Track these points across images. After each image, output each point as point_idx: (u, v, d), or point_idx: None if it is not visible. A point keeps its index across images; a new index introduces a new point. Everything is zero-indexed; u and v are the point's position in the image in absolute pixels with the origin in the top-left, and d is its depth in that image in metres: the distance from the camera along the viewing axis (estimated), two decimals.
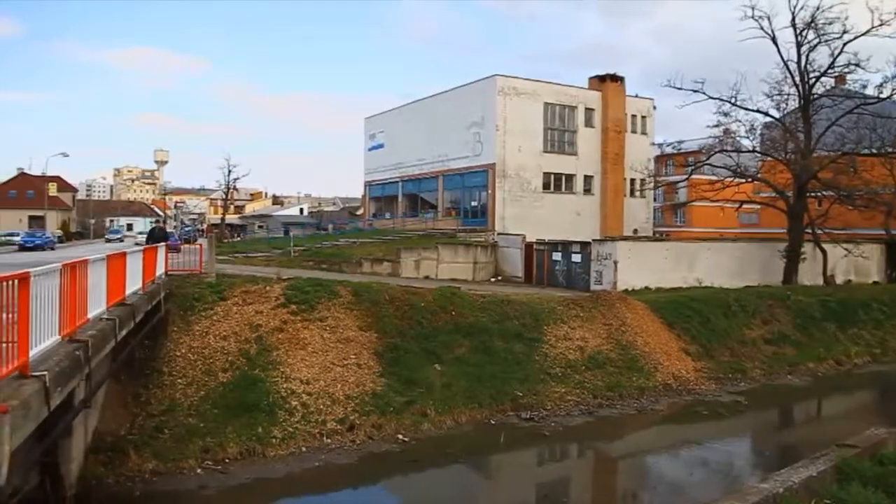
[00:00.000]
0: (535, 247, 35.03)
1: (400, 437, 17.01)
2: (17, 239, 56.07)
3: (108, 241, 71.24)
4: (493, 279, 35.01)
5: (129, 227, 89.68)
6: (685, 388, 22.30)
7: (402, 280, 28.76)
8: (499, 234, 39.48)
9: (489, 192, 41.99)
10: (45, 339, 7.48)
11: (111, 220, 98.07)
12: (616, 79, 45.78)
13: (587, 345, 22.76)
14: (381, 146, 55.34)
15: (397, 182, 52.86)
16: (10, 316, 6.23)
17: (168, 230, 73.46)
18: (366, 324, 20.67)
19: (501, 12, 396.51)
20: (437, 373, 19.71)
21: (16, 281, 6.37)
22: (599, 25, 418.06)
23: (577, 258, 32.01)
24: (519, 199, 41.77)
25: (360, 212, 73.95)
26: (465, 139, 43.67)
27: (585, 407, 20.07)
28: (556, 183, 43.93)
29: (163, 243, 22.40)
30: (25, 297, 6.55)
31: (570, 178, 44.46)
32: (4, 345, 6.05)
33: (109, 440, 14.92)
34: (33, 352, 6.92)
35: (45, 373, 6.98)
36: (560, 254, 33.24)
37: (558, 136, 44.33)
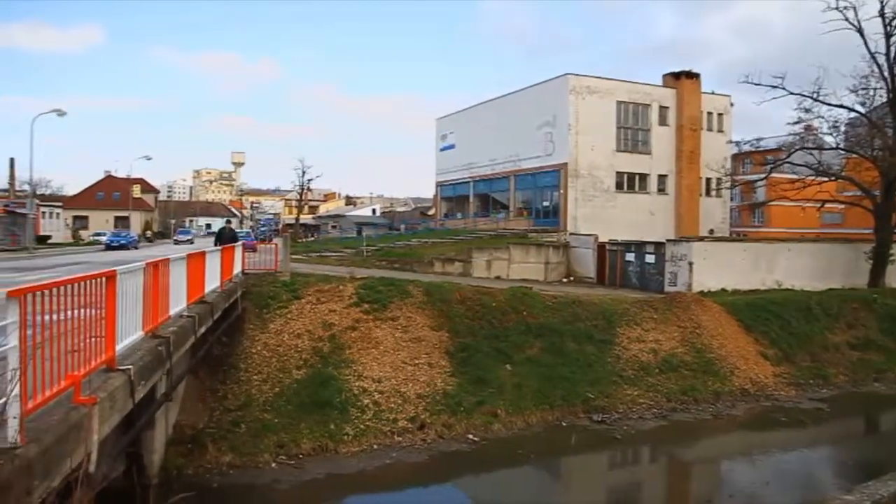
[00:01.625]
0: (607, 247, 34.61)
1: (470, 436, 17.04)
2: (103, 239, 58.44)
3: (178, 242, 64.36)
4: (564, 280, 34.72)
5: (208, 226, 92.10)
6: (763, 393, 21.66)
7: (473, 280, 28.79)
8: (571, 234, 39.12)
9: (561, 191, 41.63)
10: (129, 334, 7.74)
11: (190, 220, 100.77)
12: (691, 75, 44.79)
13: (661, 347, 22.35)
14: (452, 146, 55.46)
15: (469, 182, 52.88)
16: (98, 312, 6.47)
17: (245, 230, 74.79)
18: (437, 323, 20.78)
19: (574, 11, 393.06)
20: (507, 373, 19.67)
21: (104, 279, 6.63)
22: (674, 21, 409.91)
23: (650, 259, 31.48)
24: (591, 199, 41.29)
25: (431, 212, 74.27)
26: (536, 139, 43.40)
27: (658, 410, 19.71)
28: (629, 182, 43.26)
29: (239, 243, 22.96)
30: (112, 295, 6.80)
31: (643, 177, 43.72)
32: (93, 339, 6.28)
33: (189, 433, 15.38)
34: (119, 347, 7.17)
35: (130, 367, 7.23)
36: (633, 254, 32.75)
37: (631, 134, 43.64)
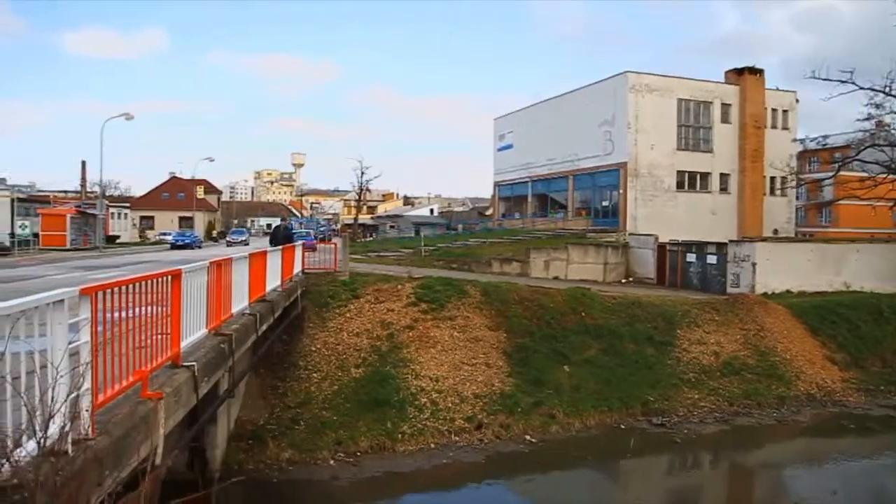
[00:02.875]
0: (668, 248, 34.05)
1: (527, 437, 16.98)
2: (168, 238, 60.01)
3: (230, 244, 59.82)
4: (623, 280, 34.29)
5: (269, 226, 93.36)
6: (830, 398, 21.01)
7: (531, 280, 28.66)
8: (630, 234, 38.62)
9: (620, 191, 41.16)
10: (194, 331, 7.91)
11: (251, 220, 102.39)
12: (755, 71, 43.76)
13: (723, 350, 21.91)
14: (510, 146, 55.31)
15: (527, 182, 52.68)
16: (164, 309, 6.64)
17: (305, 230, 75.65)
18: (495, 323, 20.76)
19: (632, 8, 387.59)
20: (565, 374, 19.54)
21: (169, 277, 6.80)
22: (736, 15, 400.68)
23: (712, 259, 30.87)
24: (651, 199, 40.71)
25: (489, 212, 74.20)
26: (595, 138, 42.97)
27: (720, 414, 19.31)
28: (690, 181, 42.52)
29: (299, 243, 23.29)
30: (177, 293, 6.97)
31: (705, 176, 42.90)
32: (159, 336, 6.44)
33: (250, 429, 15.68)
34: (184, 343, 7.33)
35: (195, 363, 7.39)
36: (694, 255, 32.15)
37: (693, 132, 42.87)
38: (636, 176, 40.54)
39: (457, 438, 16.54)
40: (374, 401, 17.13)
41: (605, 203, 43.95)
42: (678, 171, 41.85)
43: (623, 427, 18.14)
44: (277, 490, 13.72)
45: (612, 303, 23.32)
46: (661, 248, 34.41)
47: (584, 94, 45.36)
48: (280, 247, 17.94)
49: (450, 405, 17.45)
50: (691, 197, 42.00)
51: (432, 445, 16.18)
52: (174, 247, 52.30)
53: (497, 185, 58.36)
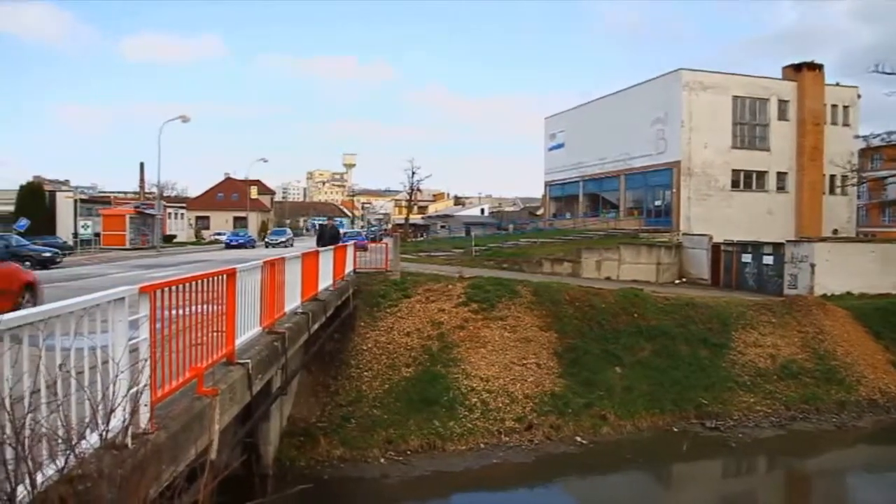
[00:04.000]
0: (722, 248, 33.45)
1: (578, 439, 16.86)
2: (223, 238, 61.21)
3: (270, 244, 55.73)
4: (677, 281, 33.81)
5: (321, 226, 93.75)
6: (894, 404, 20.36)
7: (582, 280, 28.45)
8: (684, 234, 38.05)
9: (673, 190, 40.57)
10: (248, 329, 8.04)
11: (304, 220, 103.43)
12: (813, 66, 42.67)
13: (779, 352, 21.41)
14: (561, 146, 54.97)
15: (578, 182, 52.29)
16: (219, 307, 6.77)
17: (355, 229, 75.80)
18: (545, 324, 20.66)
19: (685, 4, 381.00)
20: (617, 375, 19.34)
21: (225, 276, 6.93)
22: (793, 8, 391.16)
23: (768, 260, 30.22)
24: (705, 198, 40.02)
25: (540, 212, 73.84)
26: (647, 137, 42.43)
27: (776, 419, 18.88)
28: (745, 180, 41.67)
29: (350, 242, 23.50)
30: (232, 291, 7.10)
31: (761, 175, 42.01)
32: (214, 334, 6.57)
33: (302, 426, 15.89)
34: (238, 341, 7.46)
35: (249, 361, 7.52)
36: (750, 255, 31.53)
37: (748, 130, 41.99)
38: (690, 175, 39.90)
39: (507, 439, 16.51)
40: (424, 400, 17.20)
41: (657, 203, 43.39)
42: (733, 170, 41.06)
43: (676, 430, 17.89)
44: (328, 487, 13.87)
45: (665, 304, 23.00)
46: (716, 248, 33.82)
47: (636, 92, 44.85)
48: (331, 246, 18.08)
49: (500, 405, 17.43)
50: (747, 196, 41.16)
51: (482, 445, 16.18)
52: (228, 246, 53.30)
53: (548, 184, 58.05)
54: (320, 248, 16.06)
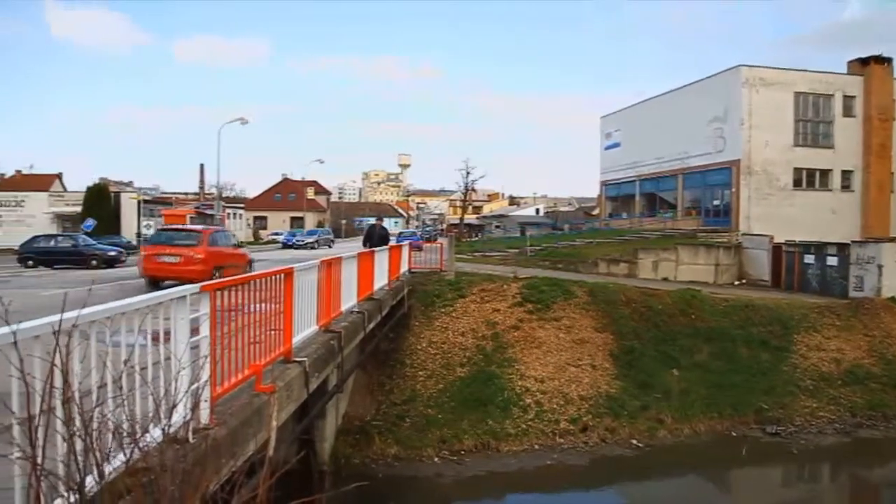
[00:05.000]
0: (783, 248, 32.62)
1: (634, 442, 16.65)
2: (280, 238, 62.16)
3: (288, 245, 54.85)
4: (736, 282, 33.11)
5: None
6: None
7: (638, 281, 28.10)
8: (743, 234, 37.20)
9: (733, 190, 39.70)
10: (305, 328, 8.15)
11: (360, 220, 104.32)
12: (881, 60, 41.22)
13: (844, 357, 20.79)
14: (617, 145, 54.36)
15: (634, 181, 51.64)
16: (277, 306, 6.88)
17: (410, 229, 75.82)
18: (601, 325, 20.46)
19: (741, 3, 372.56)
20: (674, 378, 19.04)
21: (282, 275, 7.04)
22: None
23: (832, 261, 29.36)
24: (766, 198, 39.05)
25: (595, 212, 73.17)
26: (706, 135, 41.62)
27: (841, 425, 18.30)
28: (808, 179, 40.53)
29: (405, 242, 23.62)
30: (290, 290, 7.21)
31: (824, 173, 40.79)
32: (272, 332, 6.69)
33: (357, 424, 16.04)
34: (295, 339, 7.57)
35: (306, 359, 7.63)
36: (813, 256, 30.67)
37: (811, 127, 40.81)
38: (749, 174, 38.99)
39: (561, 440, 16.40)
40: (478, 400, 17.20)
41: (716, 202, 42.52)
42: (795, 169, 39.95)
43: (735, 434, 17.51)
44: (383, 485, 13.96)
45: (723, 305, 22.56)
46: (777, 248, 33.00)
47: (693, 89, 44.06)
48: (385, 247, 18.19)
49: (554, 406, 17.33)
50: (809, 195, 40.03)
51: (536, 446, 16.10)
52: (286, 246, 54.11)
53: (604, 184, 57.47)
54: (377, 249, 16.13)
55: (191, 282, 5.51)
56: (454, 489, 14.31)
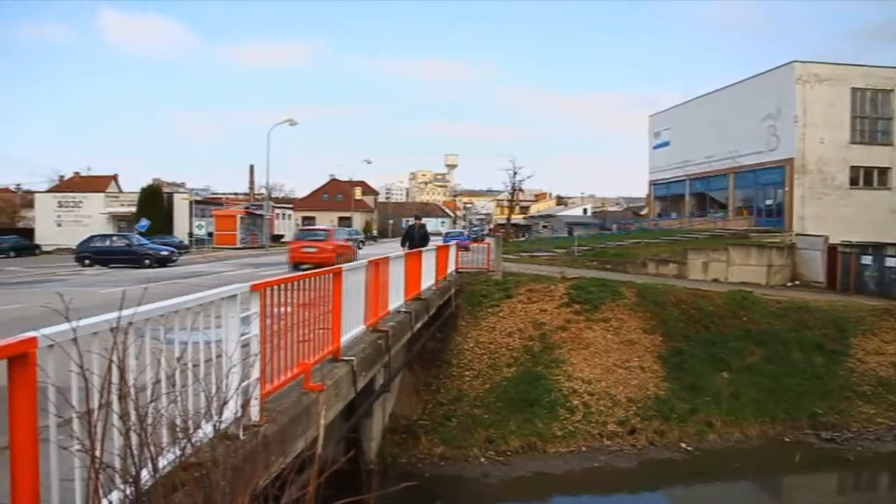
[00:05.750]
0: (839, 249, 31.82)
1: (683, 445, 16.42)
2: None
3: None
4: (789, 284, 32.41)
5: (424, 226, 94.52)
6: None
7: (688, 282, 27.70)
8: (797, 234, 36.38)
9: (786, 189, 38.84)
10: (353, 327, 8.23)
11: (406, 220, 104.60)
12: None
13: None
14: (666, 144, 53.68)
15: (684, 181, 50.94)
16: (325, 306, 6.96)
17: (457, 229, 75.83)
18: (650, 326, 20.22)
19: None
20: (724, 381, 18.72)
21: (331, 275, 7.12)
22: None
23: (892, 262, 28.53)
24: (820, 197, 38.11)
25: (644, 212, 72.37)
26: (758, 133, 40.80)
27: None
28: (865, 178, 39.40)
29: (452, 242, 23.62)
30: (338, 290, 7.28)
31: (883, 171, 39.61)
32: (320, 331, 6.76)
33: (404, 423, 16.12)
34: (343, 338, 7.65)
35: (353, 358, 7.70)
36: (871, 257, 29.85)
37: (869, 124, 39.66)
38: (803, 172, 38.09)
39: (608, 442, 16.26)
40: (525, 401, 17.15)
41: (768, 202, 41.69)
42: (851, 167, 38.89)
43: (787, 440, 17.13)
44: (429, 484, 14.01)
45: (776, 307, 22.09)
46: (832, 249, 32.20)
47: (745, 87, 43.24)
48: (432, 247, 18.18)
49: (602, 408, 17.19)
50: (867, 194, 38.94)
51: (583, 448, 16.00)
52: None
53: (652, 183, 56.83)
54: (423, 249, 16.14)
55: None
56: (500, 490, 14.30)
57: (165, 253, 34.27)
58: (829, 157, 38.17)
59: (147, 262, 32.70)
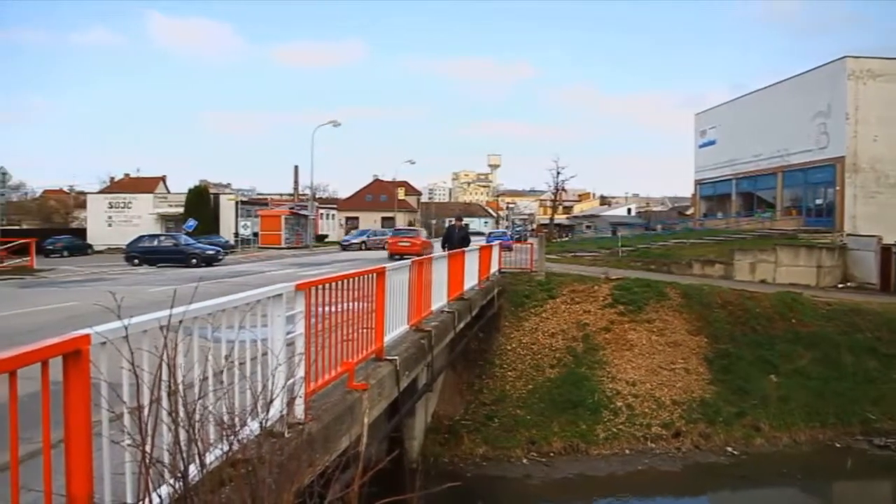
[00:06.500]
0: (893, 250, 31.03)
1: (729, 449, 16.16)
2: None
3: (346, 247, 53.95)
4: (840, 285, 31.67)
5: (466, 226, 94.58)
6: None
7: (734, 283, 27.24)
8: (848, 234, 35.53)
9: (837, 188, 37.96)
10: (396, 327, 8.26)
11: (448, 221, 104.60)
12: None
13: None
14: (712, 143, 52.89)
15: (730, 180, 50.13)
16: (369, 305, 7.00)
17: (500, 229, 75.78)
18: (695, 328, 19.94)
19: None
20: (772, 384, 18.37)
21: (374, 275, 7.16)
22: None
23: None
24: (873, 196, 37.13)
25: (689, 211, 71.41)
26: (807, 131, 39.94)
27: None
28: None
29: (495, 243, 23.57)
30: (381, 290, 7.32)
31: None
32: (364, 330, 6.81)
33: (446, 423, 16.16)
34: (387, 338, 7.68)
35: (397, 358, 7.73)
36: None
37: None
38: (855, 171, 37.16)
39: (652, 445, 16.09)
40: (568, 402, 17.05)
41: (818, 201, 40.80)
42: None
43: (838, 446, 16.72)
44: (471, 484, 14.01)
45: (826, 309, 21.59)
46: (886, 250, 31.39)
47: (794, 83, 42.37)
48: (476, 246, 18.16)
49: (646, 410, 17.01)
50: None
51: (627, 451, 15.85)
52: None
53: (698, 183, 56.04)
54: (466, 249, 16.13)
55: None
56: (542, 491, 14.24)
57: (212, 252, 34.83)
58: (882, 155, 37.13)
59: (194, 261, 33.28)
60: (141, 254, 34.41)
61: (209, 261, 33.59)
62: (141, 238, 37.24)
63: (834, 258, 32.91)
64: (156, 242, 36.22)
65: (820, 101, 38.93)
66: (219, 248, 36.81)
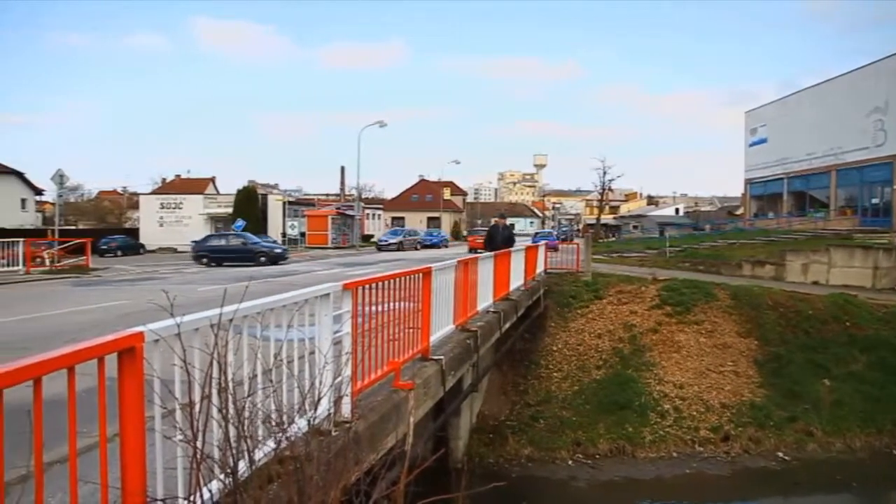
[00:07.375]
0: None
1: (780, 454, 15.81)
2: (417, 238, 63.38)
3: (382, 247, 53.00)
4: None
5: (511, 226, 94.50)
6: None
7: (786, 285, 26.68)
8: None
9: (894, 187, 37.00)
10: (442, 326, 8.28)
11: (491, 220, 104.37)
12: None
13: None
14: (763, 141, 51.93)
15: (782, 179, 49.16)
16: (415, 305, 7.03)
17: (546, 230, 75.45)
18: (745, 329, 19.57)
19: None
20: (825, 388, 17.92)
21: (420, 274, 7.19)
22: None
23: None
24: None
25: (739, 211, 70.22)
26: (863, 128, 38.97)
27: None
28: None
29: (542, 243, 23.45)
30: (427, 289, 7.34)
31: None
32: (410, 330, 6.84)
33: (491, 423, 16.13)
34: (432, 338, 7.70)
35: (442, 357, 7.75)
36: None
37: None
38: None
39: (700, 449, 15.83)
40: (614, 403, 16.88)
41: (874, 200, 39.80)
42: None
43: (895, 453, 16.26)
44: (516, 485, 13.96)
45: (883, 312, 20.98)
46: None
47: (849, 79, 41.39)
48: (521, 246, 18.07)
49: (694, 413, 16.74)
50: None
51: (674, 454, 15.62)
52: (423, 246, 55.24)
53: (748, 182, 55.08)
54: (513, 249, 16.03)
55: None
56: (588, 493, 14.12)
57: (279, 251, 35.50)
58: None
59: (262, 259, 33.84)
60: (209, 253, 34.98)
61: (275, 259, 34.14)
62: (209, 237, 38.05)
63: (891, 259, 31.98)
64: (223, 242, 36.84)
65: (876, 97, 37.97)
66: (286, 247, 37.40)
